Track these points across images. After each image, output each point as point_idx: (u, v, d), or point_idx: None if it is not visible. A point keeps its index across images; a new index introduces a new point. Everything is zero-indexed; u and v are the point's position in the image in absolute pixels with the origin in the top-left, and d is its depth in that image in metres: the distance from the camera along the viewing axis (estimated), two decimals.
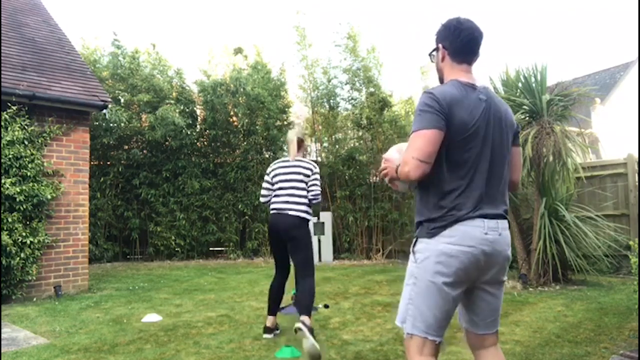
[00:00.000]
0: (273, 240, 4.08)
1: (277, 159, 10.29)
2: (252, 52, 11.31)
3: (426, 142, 1.74)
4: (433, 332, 1.80)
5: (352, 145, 10.59)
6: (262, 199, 4.21)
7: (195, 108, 10.83)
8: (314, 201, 4.03)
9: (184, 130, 9.91)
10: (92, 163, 8.30)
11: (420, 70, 12.63)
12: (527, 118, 6.25)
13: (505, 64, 11.27)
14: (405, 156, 1.78)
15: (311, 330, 3.52)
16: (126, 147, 10.28)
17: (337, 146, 10.61)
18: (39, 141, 5.83)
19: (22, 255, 5.37)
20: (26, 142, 5.64)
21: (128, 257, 10.17)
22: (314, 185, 4.01)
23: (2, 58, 5.92)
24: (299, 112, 11.45)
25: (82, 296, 5.89)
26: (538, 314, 4.59)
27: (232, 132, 10.67)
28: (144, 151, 10.31)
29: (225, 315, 4.75)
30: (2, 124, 5.49)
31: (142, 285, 6.74)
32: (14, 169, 5.45)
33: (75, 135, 6.24)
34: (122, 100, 9.96)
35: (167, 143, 10.20)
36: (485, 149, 1.81)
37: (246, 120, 10.29)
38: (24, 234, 5.41)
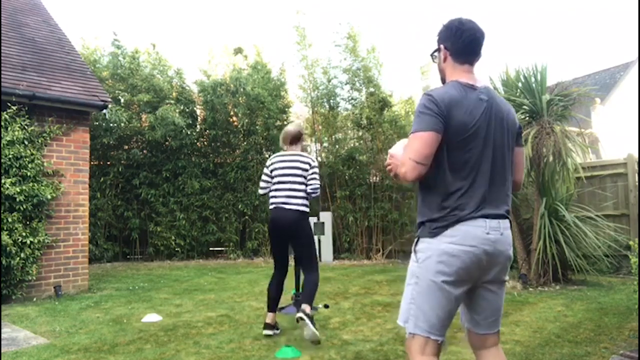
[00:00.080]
0: (274, 236, 4.11)
1: None
2: (252, 52, 11.33)
3: (423, 144, 1.76)
4: (435, 331, 1.80)
5: (352, 145, 10.59)
6: (260, 191, 4.26)
7: (195, 108, 10.84)
8: (313, 195, 4.08)
9: (184, 130, 9.92)
10: (92, 163, 8.30)
11: (420, 70, 12.64)
12: (527, 118, 6.26)
13: (505, 64, 11.28)
14: (403, 157, 1.81)
15: (311, 318, 3.69)
16: (126, 147, 10.28)
17: (337, 146, 10.62)
18: (39, 141, 5.83)
19: (22, 255, 5.37)
20: (26, 142, 5.64)
21: (128, 257, 10.17)
22: (313, 179, 4.06)
23: (2, 58, 5.92)
24: (299, 112, 11.45)
25: (82, 296, 5.90)
26: (538, 314, 4.59)
27: (232, 132, 10.67)
28: (144, 151, 10.31)
29: (225, 315, 4.75)
30: (2, 124, 5.49)
31: (142, 285, 6.74)
32: (14, 169, 5.45)
33: (75, 135, 6.24)
34: (122, 100, 9.97)
35: (167, 143, 10.20)
36: (486, 149, 1.82)
37: (246, 120, 10.30)
38: (24, 234, 5.41)
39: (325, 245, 9.46)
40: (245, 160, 10.44)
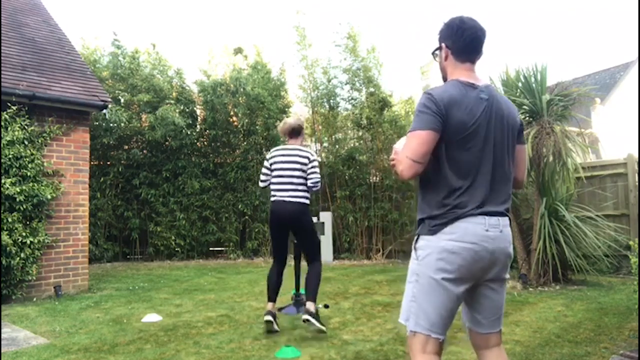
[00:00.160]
0: (275, 228, 4.19)
1: None
2: (252, 52, 11.32)
3: (420, 143, 1.77)
4: (436, 329, 1.80)
5: (352, 145, 10.58)
6: (261, 184, 4.34)
7: (195, 108, 10.83)
8: (314, 188, 4.16)
9: (184, 130, 9.91)
10: (92, 163, 8.30)
11: (420, 70, 12.63)
12: (527, 118, 6.26)
13: (505, 64, 11.27)
14: (400, 155, 1.82)
15: (317, 316, 3.97)
16: (126, 147, 10.28)
17: (337, 146, 10.61)
18: (39, 141, 5.83)
19: (22, 255, 5.37)
20: (26, 142, 5.64)
21: (128, 257, 10.17)
22: (313, 172, 4.13)
23: (2, 58, 5.92)
24: (299, 112, 11.44)
25: (82, 296, 5.90)
26: (538, 314, 4.59)
27: (232, 132, 10.67)
28: (144, 151, 10.30)
29: (225, 315, 4.75)
30: (2, 124, 5.49)
31: (142, 285, 6.74)
32: (14, 169, 5.45)
33: (75, 135, 6.24)
34: (122, 100, 9.96)
35: (167, 143, 10.19)
36: (487, 147, 1.82)
37: (246, 120, 10.29)
38: (24, 234, 5.41)
39: (325, 245, 9.43)
40: (245, 160, 10.44)
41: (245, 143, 10.62)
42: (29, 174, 5.52)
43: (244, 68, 10.92)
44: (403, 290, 1.94)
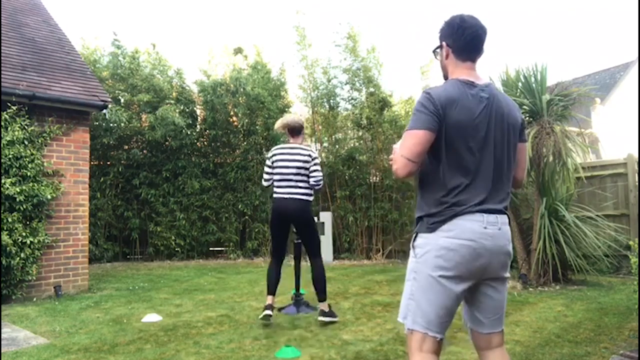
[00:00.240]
0: (276, 224, 4.31)
1: None
2: (252, 52, 11.32)
3: (415, 142, 1.78)
4: (433, 328, 1.80)
5: (352, 145, 10.58)
6: (264, 183, 4.42)
7: (195, 108, 10.83)
8: (317, 187, 4.27)
9: (184, 130, 9.91)
10: (92, 163, 8.29)
11: (420, 70, 12.61)
12: (527, 118, 6.26)
13: (505, 64, 11.27)
14: (396, 154, 1.84)
15: (331, 312, 4.29)
16: (126, 147, 10.27)
17: (337, 146, 10.61)
18: (39, 141, 5.83)
19: (22, 255, 5.37)
20: (26, 142, 5.64)
21: (128, 257, 10.17)
22: (315, 170, 4.23)
23: (2, 58, 5.92)
24: (299, 112, 11.44)
25: (82, 296, 5.90)
26: (538, 314, 4.59)
27: (232, 132, 10.67)
28: (144, 151, 10.30)
29: (225, 315, 4.75)
30: (2, 124, 5.49)
31: (142, 285, 6.74)
32: (14, 169, 5.45)
33: (75, 135, 6.24)
34: (122, 100, 9.96)
35: (167, 143, 10.19)
36: (486, 146, 1.82)
37: (246, 120, 10.29)
38: (24, 234, 5.41)
39: (325, 245, 9.43)
40: (245, 160, 10.44)
41: (245, 143, 10.61)
42: (29, 174, 5.52)
43: (244, 68, 10.91)
44: (403, 290, 1.94)
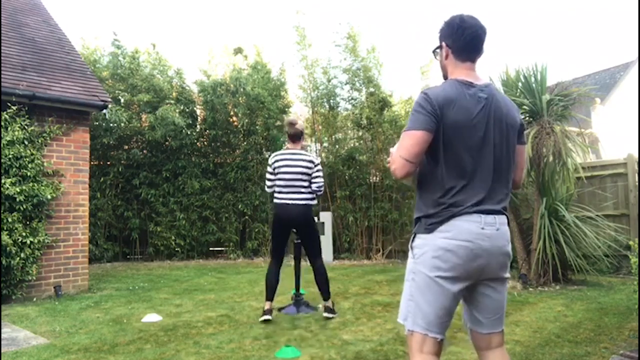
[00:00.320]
0: (278, 229, 4.43)
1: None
2: (252, 52, 11.32)
3: (413, 143, 1.78)
4: (433, 328, 1.80)
5: (352, 145, 10.58)
6: (267, 189, 4.52)
7: (195, 108, 10.82)
8: (319, 193, 4.43)
9: (184, 130, 9.91)
10: (92, 163, 8.30)
11: (420, 70, 12.62)
12: (527, 118, 6.26)
13: (505, 64, 11.26)
14: (394, 155, 1.84)
15: (333, 309, 4.49)
16: (126, 147, 10.27)
17: (337, 146, 10.61)
18: (39, 141, 5.83)
19: (22, 255, 5.36)
20: (26, 142, 5.64)
21: (128, 257, 10.17)
22: (317, 177, 4.37)
23: (2, 58, 5.92)
24: (299, 112, 11.44)
25: (82, 296, 5.89)
26: (538, 314, 4.59)
27: (232, 132, 10.66)
28: (144, 151, 10.30)
29: (225, 315, 4.75)
30: (2, 124, 5.49)
31: (142, 285, 6.74)
32: (14, 169, 5.45)
33: (75, 135, 6.24)
34: (122, 100, 9.96)
35: (167, 143, 10.19)
36: (485, 147, 1.82)
37: (246, 120, 10.29)
38: (24, 234, 5.41)
39: (325, 245, 9.40)
40: (245, 160, 10.44)
41: (245, 143, 10.61)
42: (29, 174, 5.52)
43: (244, 68, 10.91)
44: (402, 290, 1.94)
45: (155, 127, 9.54)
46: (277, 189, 4.38)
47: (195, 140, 10.72)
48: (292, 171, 4.31)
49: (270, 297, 4.42)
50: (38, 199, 5.56)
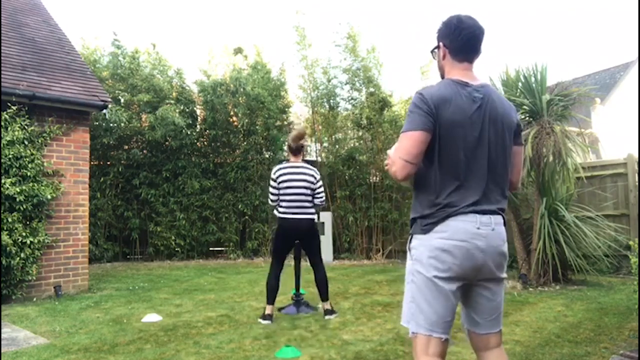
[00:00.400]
0: (286, 241, 4.58)
1: (277, 159, 10.27)
2: (252, 52, 11.32)
3: (412, 144, 1.77)
4: (437, 329, 1.79)
5: (352, 145, 10.58)
6: (271, 203, 4.63)
7: (195, 108, 10.82)
8: (320, 205, 4.64)
9: (184, 130, 9.91)
10: (92, 163, 8.29)
11: (420, 70, 12.64)
12: (527, 118, 6.26)
13: (505, 64, 11.27)
14: (393, 156, 1.83)
15: (332, 311, 4.58)
16: (126, 147, 10.27)
17: (337, 146, 10.61)
18: (39, 141, 5.83)
19: (22, 255, 5.36)
20: (26, 142, 5.64)
21: (128, 257, 10.17)
22: (320, 191, 4.57)
23: (2, 58, 5.92)
24: (299, 112, 11.44)
25: (82, 296, 5.89)
26: (538, 314, 4.59)
27: (232, 132, 10.66)
28: (144, 151, 10.30)
29: (225, 315, 4.75)
30: (2, 124, 5.49)
31: (142, 285, 6.74)
32: (14, 169, 5.45)
33: (75, 135, 6.24)
34: (122, 100, 9.96)
35: (167, 143, 10.19)
36: (480, 147, 1.81)
37: (246, 120, 10.29)
38: (24, 234, 5.41)
39: (325, 245, 9.43)
40: (245, 160, 10.44)
41: (245, 143, 10.61)
42: (29, 174, 5.52)
43: (244, 68, 10.91)
44: (403, 290, 1.93)
45: (155, 127, 9.54)
46: (282, 204, 4.47)
47: (195, 140, 10.72)
48: (297, 185, 4.44)
49: (271, 301, 4.47)
50: (38, 199, 5.56)
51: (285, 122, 10.95)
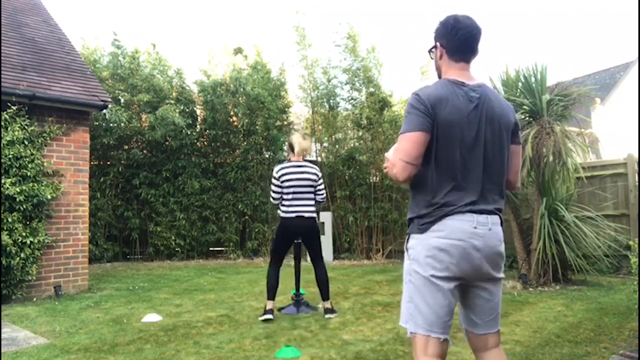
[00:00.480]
0: (287, 239, 4.62)
1: (277, 159, 10.26)
2: (252, 52, 11.32)
3: (412, 145, 1.77)
4: (435, 329, 1.78)
5: (352, 145, 10.58)
6: (274, 201, 4.66)
7: (195, 108, 10.83)
8: (322, 203, 4.73)
9: (184, 130, 9.91)
10: (92, 163, 8.29)
11: (420, 70, 12.62)
12: (527, 118, 6.26)
13: (505, 64, 11.27)
14: (393, 158, 1.82)
15: (333, 310, 4.59)
16: (126, 147, 10.27)
17: (337, 146, 10.61)
18: (39, 141, 5.83)
19: (22, 255, 5.36)
20: (26, 142, 5.64)
21: (128, 257, 10.17)
22: (321, 188, 4.63)
23: (2, 58, 5.91)
24: (299, 112, 11.44)
25: (82, 296, 5.89)
26: (538, 314, 4.59)
27: (232, 132, 10.67)
28: (144, 151, 10.30)
29: (225, 315, 4.75)
30: (2, 124, 5.49)
31: (142, 285, 6.74)
32: (14, 169, 5.45)
33: (75, 135, 6.24)
34: (122, 100, 9.96)
35: (167, 143, 10.19)
36: (476, 147, 1.81)
37: (246, 120, 10.29)
38: (24, 234, 5.41)
39: (325, 245, 9.40)
40: (245, 160, 10.44)
41: (245, 143, 10.61)
42: (29, 174, 5.52)
43: (244, 68, 10.91)
44: (402, 290, 1.93)
45: (155, 127, 9.54)
46: (284, 202, 4.51)
47: (195, 140, 10.72)
48: (300, 184, 4.47)
49: (271, 297, 4.51)
50: (38, 199, 5.55)
51: (285, 122, 10.95)
